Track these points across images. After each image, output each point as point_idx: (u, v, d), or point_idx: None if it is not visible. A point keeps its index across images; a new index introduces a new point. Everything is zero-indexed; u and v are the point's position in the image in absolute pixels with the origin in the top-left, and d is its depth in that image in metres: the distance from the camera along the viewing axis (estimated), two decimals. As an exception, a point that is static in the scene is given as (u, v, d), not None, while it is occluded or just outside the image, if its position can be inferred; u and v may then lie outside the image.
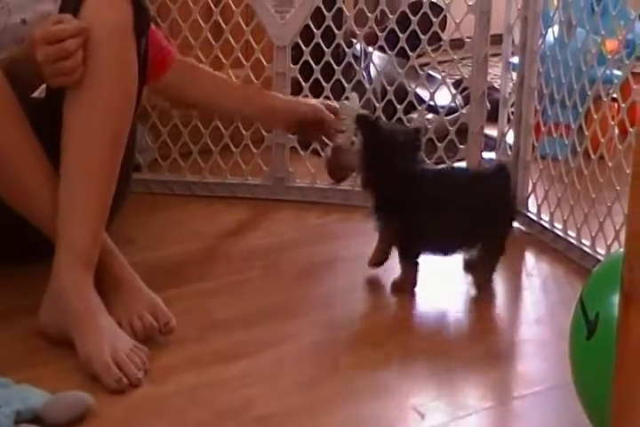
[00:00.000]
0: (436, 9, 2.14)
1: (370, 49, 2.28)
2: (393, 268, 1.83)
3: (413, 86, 2.16)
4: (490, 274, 1.82)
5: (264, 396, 1.49)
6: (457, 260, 1.91)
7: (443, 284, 1.85)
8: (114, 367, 1.48)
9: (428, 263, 1.86)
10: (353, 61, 2.17)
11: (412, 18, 2.10)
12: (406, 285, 1.80)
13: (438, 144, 2.12)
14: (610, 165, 1.82)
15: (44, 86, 1.72)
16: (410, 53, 2.12)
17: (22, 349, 1.58)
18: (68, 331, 1.54)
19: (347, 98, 1.98)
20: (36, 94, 1.74)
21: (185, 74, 2.00)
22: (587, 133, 1.89)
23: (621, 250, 1.03)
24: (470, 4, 2.05)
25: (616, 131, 1.88)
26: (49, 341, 1.58)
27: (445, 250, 1.80)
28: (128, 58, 1.63)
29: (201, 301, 1.75)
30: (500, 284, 1.89)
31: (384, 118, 2.11)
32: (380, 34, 2.13)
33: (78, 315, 1.54)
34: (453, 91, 2.19)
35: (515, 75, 2.06)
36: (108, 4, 1.60)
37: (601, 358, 1.26)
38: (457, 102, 2.21)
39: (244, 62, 2.15)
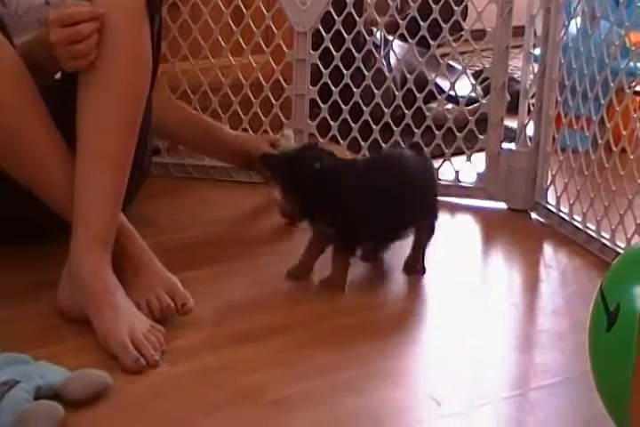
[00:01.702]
0: (457, -2, 2.14)
1: (390, 37, 2.28)
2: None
3: (433, 76, 2.16)
4: (421, 255, 1.82)
5: (280, 379, 1.49)
6: (467, 251, 1.94)
7: (455, 273, 1.85)
8: (131, 348, 1.48)
9: (441, 253, 1.88)
10: (373, 49, 2.17)
11: (434, 6, 2.09)
12: (340, 282, 1.75)
13: (458, 134, 2.11)
14: (631, 157, 1.81)
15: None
16: (431, 42, 2.11)
17: (41, 326, 1.58)
18: (86, 311, 1.54)
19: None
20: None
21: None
22: (608, 126, 1.88)
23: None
24: (492, -7, 2.05)
25: (638, 124, 1.87)
26: (67, 319, 1.58)
27: (386, 238, 1.79)
28: (142, 40, 1.63)
29: (219, 283, 1.75)
30: (517, 275, 1.89)
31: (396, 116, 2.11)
32: (400, 22, 2.12)
33: (95, 295, 1.54)
34: (473, 81, 2.18)
35: (536, 66, 2.05)
36: None
37: (621, 349, 1.26)
38: (477, 93, 2.20)
39: (265, 48, 2.15)
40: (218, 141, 2.09)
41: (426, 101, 2.16)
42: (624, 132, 1.84)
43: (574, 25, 2.00)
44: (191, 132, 2.09)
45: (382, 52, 2.29)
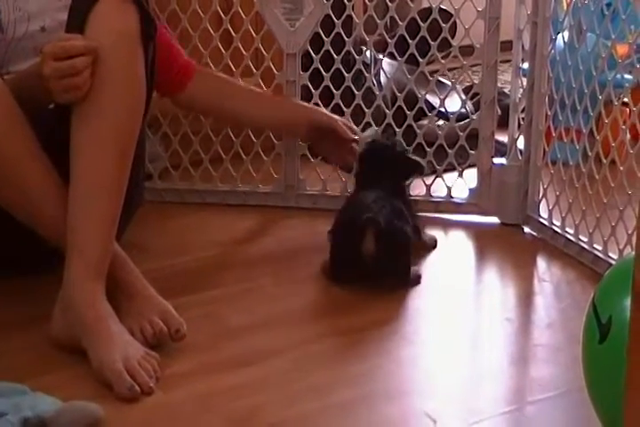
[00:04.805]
0: (446, 15, 2.14)
1: (380, 56, 2.29)
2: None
3: (423, 93, 2.16)
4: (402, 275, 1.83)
5: (276, 402, 1.48)
6: (461, 266, 1.95)
7: (449, 288, 1.86)
8: (126, 375, 1.48)
9: (435, 269, 1.89)
10: (363, 68, 2.17)
11: (422, 24, 2.09)
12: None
13: (449, 150, 2.12)
14: (621, 169, 1.81)
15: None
16: (420, 60, 2.12)
17: (35, 356, 1.58)
18: (80, 340, 1.54)
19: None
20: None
21: (216, 87, 2.04)
22: (598, 138, 1.88)
23: (633, 253, 1.03)
24: (479, 9, 2.05)
25: (627, 135, 1.88)
26: (61, 349, 1.58)
27: None
28: (135, 68, 1.63)
29: (212, 308, 1.75)
30: (511, 289, 1.89)
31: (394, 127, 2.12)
32: (389, 41, 2.12)
33: (89, 324, 1.54)
34: (463, 97, 2.19)
35: (525, 80, 2.05)
36: (115, 13, 1.61)
37: (614, 361, 1.25)
38: (467, 108, 2.21)
39: (254, 70, 2.15)
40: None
41: (416, 119, 2.16)
42: (613, 144, 1.84)
43: (561, 38, 2.01)
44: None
45: (372, 71, 2.30)
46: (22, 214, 1.65)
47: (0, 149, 1.60)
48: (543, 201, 2.04)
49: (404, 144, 2.01)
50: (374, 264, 1.79)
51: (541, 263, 1.97)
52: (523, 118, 2.07)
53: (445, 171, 2.14)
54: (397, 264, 1.82)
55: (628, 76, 1.93)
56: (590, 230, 1.90)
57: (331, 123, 2.06)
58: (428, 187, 2.14)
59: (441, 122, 2.31)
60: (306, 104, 2.12)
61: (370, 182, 1.90)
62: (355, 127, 2.09)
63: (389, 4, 2.10)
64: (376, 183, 1.89)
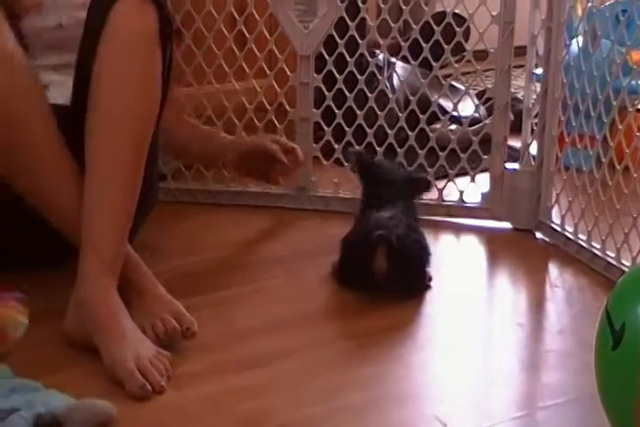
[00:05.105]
0: (460, 19, 2.14)
1: (393, 59, 2.29)
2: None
3: (436, 97, 2.16)
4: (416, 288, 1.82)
5: (285, 404, 1.48)
6: (472, 271, 1.95)
7: (460, 294, 1.85)
8: (137, 374, 1.48)
9: (446, 274, 1.89)
10: (376, 71, 2.17)
11: (436, 28, 2.09)
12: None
13: (461, 155, 2.12)
14: (635, 176, 1.81)
15: (69, 94, 1.72)
16: (433, 64, 2.12)
17: (48, 353, 1.58)
18: (92, 338, 1.54)
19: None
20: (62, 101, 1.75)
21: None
22: (611, 144, 1.88)
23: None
24: (494, 14, 2.05)
25: (641, 141, 1.88)
26: (73, 347, 1.58)
27: None
28: (153, 68, 1.64)
29: (224, 308, 1.75)
30: (523, 294, 1.89)
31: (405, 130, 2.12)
32: (403, 44, 2.13)
33: (102, 322, 1.54)
34: (476, 101, 2.18)
35: (538, 86, 2.05)
36: (135, 13, 1.62)
37: (627, 368, 1.25)
38: (480, 113, 2.21)
39: (268, 72, 2.15)
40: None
41: (429, 123, 2.16)
42: (627, 151, 1.84)
43: (576, 44, 2.01)
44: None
45: (385, 74, 2.30)
46: (41, 206, 1.65)
47: (20, 130, 1.60)
48: (556, 207, 2.04)
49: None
50: (386, 282, 1.78)
51: (553, 269, 1.96)
52: (536, 124, 2.07)
53: (457, 175, 2.14)
54: (411, 279, 1.81)
55: (642, 83, 1.93)
56: (603, 237, 1.89)
57: (258, 143, 2.07)
58: (440, 191, 2.14)
59: (454, 126, 2.31)
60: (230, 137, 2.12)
61: (379, 203, 1.88)
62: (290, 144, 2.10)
63: (403, 7, 2.10)
64: (385, 203, 1.87)
